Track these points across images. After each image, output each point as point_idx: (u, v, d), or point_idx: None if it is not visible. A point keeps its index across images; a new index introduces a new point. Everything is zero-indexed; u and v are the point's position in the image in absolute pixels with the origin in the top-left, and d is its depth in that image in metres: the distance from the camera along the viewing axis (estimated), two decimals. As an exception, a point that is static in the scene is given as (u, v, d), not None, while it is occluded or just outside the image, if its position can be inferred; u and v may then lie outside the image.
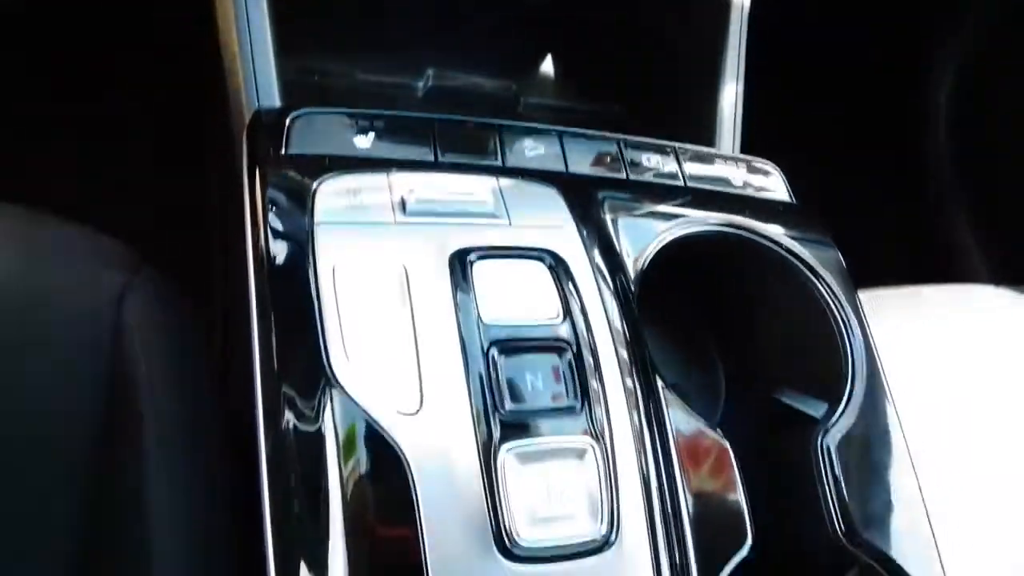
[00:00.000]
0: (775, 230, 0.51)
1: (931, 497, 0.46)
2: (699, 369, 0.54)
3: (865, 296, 0.53)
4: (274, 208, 0.40)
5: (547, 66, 0.76)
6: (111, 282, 0.45)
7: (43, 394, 0.41)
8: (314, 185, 0.41)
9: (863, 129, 1.19)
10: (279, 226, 0.40)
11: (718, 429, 0.42)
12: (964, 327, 0.68)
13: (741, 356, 0.53)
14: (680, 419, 0.41)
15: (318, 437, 0.35)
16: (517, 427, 0.36)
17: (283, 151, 0.43)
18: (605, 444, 0.37)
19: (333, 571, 0.32)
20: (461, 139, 0.48)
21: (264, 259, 0.39)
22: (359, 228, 0.40)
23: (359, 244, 0.39)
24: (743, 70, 0.66)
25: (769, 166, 0.57)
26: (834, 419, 0.45)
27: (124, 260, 0.47)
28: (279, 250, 0.39)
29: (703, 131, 0.64)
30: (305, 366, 0.36)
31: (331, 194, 0.41)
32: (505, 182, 0.46)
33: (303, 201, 0.40)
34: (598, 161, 0.51)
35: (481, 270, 0.40)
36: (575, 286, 0.42)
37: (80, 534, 0.40)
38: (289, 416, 0.35)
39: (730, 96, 0.65)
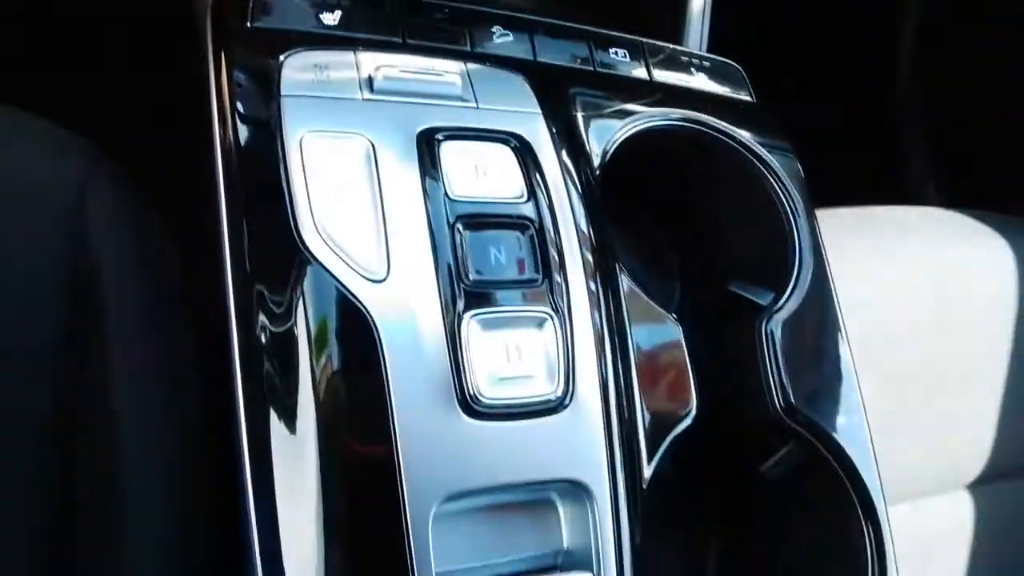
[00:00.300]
0: (734, 127, 0.53)
1: (870, 401, 0.49)
2: (656, 263, 0.56)
3: (819, 215, 0.55)
4: (240, 81, 0.40)
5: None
6: (71, 173, 0.43)
7: None
8: (280, 58, 0.41)
9: (827, 48, 1.19)
10: (245, 99, 0.40)
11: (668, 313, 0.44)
12: (914, 247, 0.71)
13: (696, 250, 0.55)
14: (634, 298, 0.43)
15: (288, 304, 0.36)
16: (480, 297, 0.38)
17: (248, 25, 0.42)
18: (563, 315, 0.39)
19: (302, 424, 0.34)
20: (430, 23, 0.48)
21: (231, 131, 0.39)
22: (326, 102, 0.40)
23: (326, 118, 0.40)
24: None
25: (734, 66, 0.58)
26: (778, 306, 0.48)
27: (85, 152, 0.46)
28: (245, 122, 0.39)
29: (670, 30, 0.64)
30: (274, 236, 0.37)
31: (297, 68, 0.41)
32: (473, 66, 0.46)
33: (269, 74, 0.40)
34: (567, 52, 0.52)
35: (448, 149, 0.41)
36: (540, 170, 0.43)
37: (42, 445, 0.40)
38: (259, 286, 0.36)
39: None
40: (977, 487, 0.71)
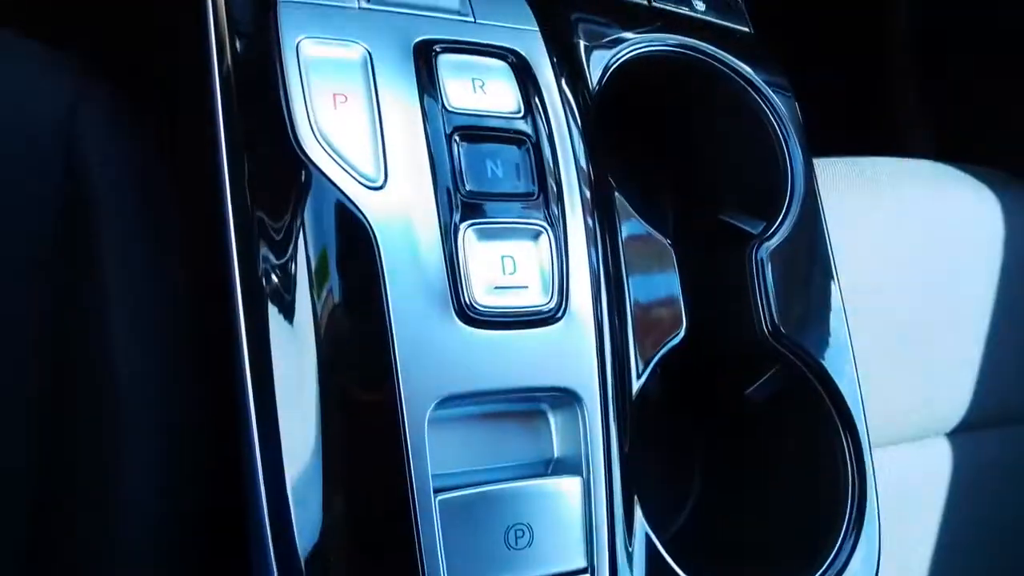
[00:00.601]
0: (732, 57, 0.52)
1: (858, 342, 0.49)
2: (648, 191, 0.56)
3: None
4: None
5: None
6: (62, 91, 0.42)
7: None
8: None
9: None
10: (240, 7, 0.39)
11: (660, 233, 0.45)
12: (903, 197, 0.72)
13: (688, 178, 0.56)
14: (628, 216, 0.43)
15: (286, 210, 0.36)
16: (476, 207, 0.38)
17: None
18: (558, 228, 0.39)
19: (301, 325, 0.34)
20: None
21: (226, 38, 0.38)
22: (322, 9, 0.39)
23: (322, 24, 0.39)
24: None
25: (732, -7, 0.57)
26: (769, 233, 0.49)
27: (76, 70, 0.45)
28: (240, 30, 0.38)
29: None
30: (272, 141, 0.37)
31: (294, -25, 0.40)
32: None
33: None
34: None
35: (445, 62, 0.41)
36: (537, 87, 0.43)
37: (33, 361, 0.40)
38: (257, 192, 0.36)
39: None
40: (956, 435, 0.73)
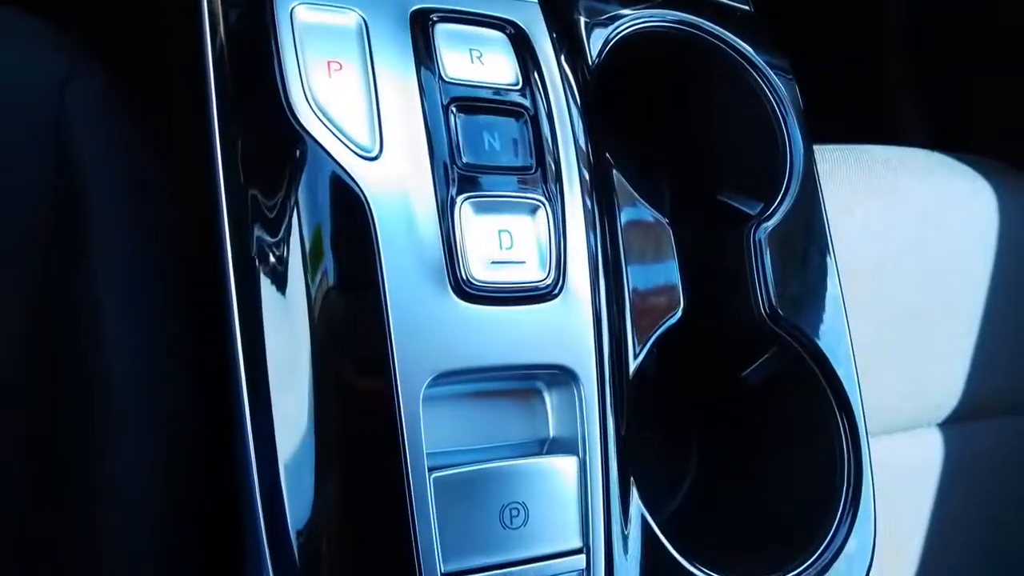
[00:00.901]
0: (731, 34, 0.52)
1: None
2: (646, 169, 0.55)
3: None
4: None
5: None
6: (53, 69, 0.41)
7: None
8: None
9: None
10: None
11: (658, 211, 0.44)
12: (898, 184, 0.71)
13: (686, 157, 0.55)
14: (626, 195, 0.42)
15: (279, 179, 0.35)
16: (473, 180, 0.37)
17: None
18: (556, 203, 0.38)
19: (294, 298, 0.34)
20: None
21: (219, 7, 0.37)
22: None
23: (315, -10, 0.38)
24: None
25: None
26: (767, 215, 0.48)
27: (68, 48, 0.43)
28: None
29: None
30: (265, 108, 0.36)
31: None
32: None
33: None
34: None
35: (442, 31, 0.40)
36: (535, 60, 0.42)
37: (26, 356, 0.39)
38: (249, 160, 0.35)
39: None
40: (949, 425, 0.73)
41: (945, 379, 0.72)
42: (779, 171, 0.50)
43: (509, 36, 0.42)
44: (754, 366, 0.47)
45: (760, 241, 0.47)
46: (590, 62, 0.46)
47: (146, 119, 0.47)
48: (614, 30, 0.48)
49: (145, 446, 0.39)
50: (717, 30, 0.51)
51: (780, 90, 0.50)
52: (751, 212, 0.50)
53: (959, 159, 0.78)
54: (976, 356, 0.73)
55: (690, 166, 0.55)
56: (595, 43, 0.46)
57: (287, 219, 0.35)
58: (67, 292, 0.40)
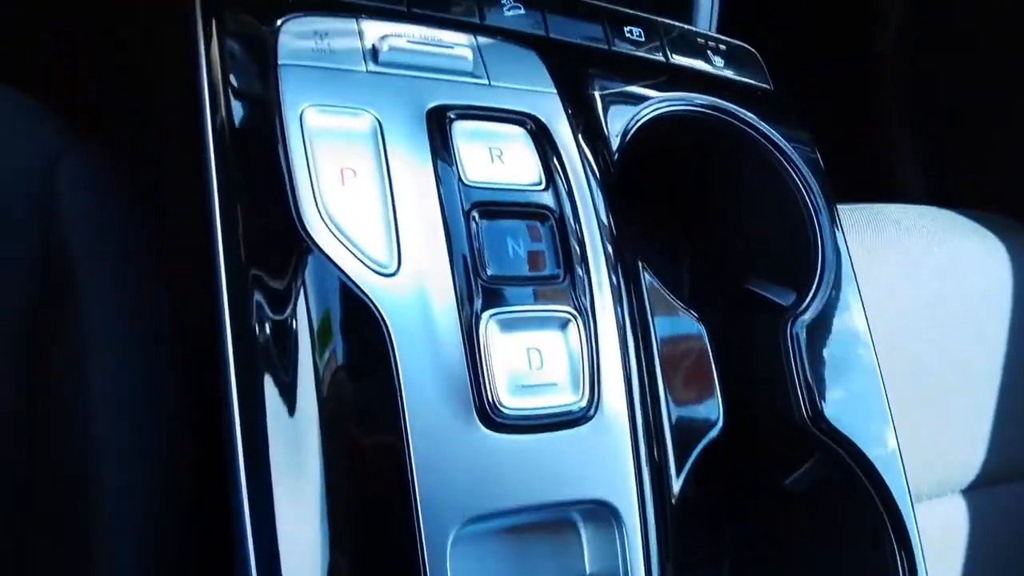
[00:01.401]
0: (755, 117, 0.49)
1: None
2: (668, 256, 0.53)
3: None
4: (232, 50, 0.35)
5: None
6: (40, 144, 0.40)
7: None
8: (277, 23, 0.36)
9: (826, 33, 1.17)
10: (238, 69, 0.36)
11: (693, 312, 0.41)
12: (911, 245, 0.69)
13: (711, 243, 0.52)
14: (657, 296, 0.39)
15: (288, 298, 0.32)
16: (499, 294, 0.34)
17: None
18: (587, 315, 0.35)
19: (303, 433, 0.30)
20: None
21: (223, 104, 0.35)
22: (327, 73, 0.36)
23: (328, 90, 0.35)
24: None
25: (750, 51, 0.55)
26: (803, 307, 0.45)
27: (55, 126, 0.42)
28: (239, 95, 0.35)
29: (679, 6, 0.61)
30: (273, 220, 0.33)
31: (295, 35, 0.37)
32: (484, 40, 0.42)
33: (264, 42, 0.36)
34: (580, 30, 0.48)
35: (460, 130, 0.37)
36: (557, 154, 0.40)
37: (6, 433, 0.36)
38: (255, 276, 0.32)
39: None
40: (972, 491, 0.70)
41: (968, 443, 0.69)
42: (810, 259, 0.47)
43: (529, 131, 0.39)
44: (796, 474, 0.44)
45: (797, 336, 0.44)
46: (613, 150, 0.43)
47: (139, 195, 0.44)
48: (635, 116, 0.45)
49: (131, 543, 0.36)
50: (739, 111, 0.49)
51: (807, 176, 0.48)
52: (783, 303, 0.47)
53: (969, 216, 0.76)
54: (997, 418, 0.70)
55: (714, 250, 0.52)
56: (616, 131, 0.44)
57: (295, 341, 0.31)
58: (53, 370, 0.37)
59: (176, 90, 0.44)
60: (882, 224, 0.71)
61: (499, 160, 0.37)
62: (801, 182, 0.48)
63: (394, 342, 0.31)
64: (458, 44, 0.41)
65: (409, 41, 0.39)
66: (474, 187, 0.35)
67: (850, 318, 0.47)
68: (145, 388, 0.39)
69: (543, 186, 0.37)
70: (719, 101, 0.48)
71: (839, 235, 0.47)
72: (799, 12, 1.09)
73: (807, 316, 0.45)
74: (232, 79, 0.35)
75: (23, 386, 0.37)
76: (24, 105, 0.43)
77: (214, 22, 0.37)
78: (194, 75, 0.36)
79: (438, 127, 0.37)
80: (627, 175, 0.44)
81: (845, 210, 0.70)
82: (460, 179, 0.35)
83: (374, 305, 0.32)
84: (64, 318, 0.38)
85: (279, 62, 0.35)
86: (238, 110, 0.35)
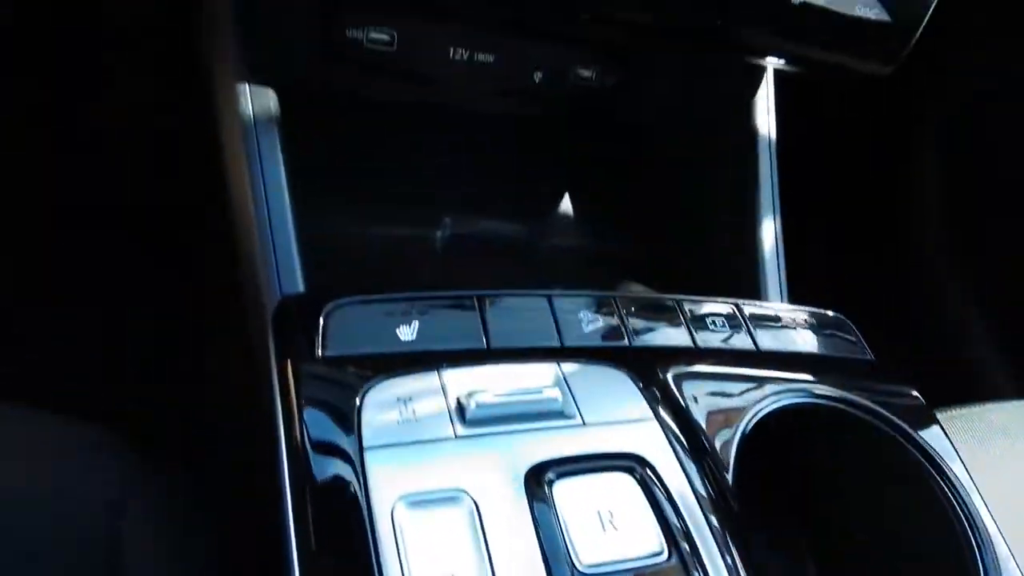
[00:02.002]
0: (869, 401, 0.45)
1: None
2: (788, 564, 0.47)
3: (944, 415, 0.47)
4: (316, 436, 0.33)
5: (566, 205, 0.73)
6: (106, 487, 0.40)
7: None
8: (358, 399, 0.35)
9: (861, 224, 1.16)
10: (323, 458, 0.33)
11: None
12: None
13: (838, 548, 0.46)
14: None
15: None
16: None
17: (319, 352, 0.37)
18: None
19: None
20: (510, 315, 0.43)
21: (306, 501, 0.32)
22: (416, 450, 0.33)
23: (418, 472, 0.33)
24: (779, 206, 0.62)
25: (842, 319, 0.52)
26: None
27: (123, 461, 0.41)
28: (323, 490, 0.32)
29: (743, 273, 0.59)
30: None
31: (379, 407, 0.35)
32: (569, 368, 0.40)
33: (348, 420, 0.34)
34: (661, 329, 0.46)
35: (563, 493, 0.34)
36: (671, 500, 0.36)
37: None
38: None
39: (769, 235, 0.60)
40: None
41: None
42: (961, 560, 0.41)
43: (637, 479, 0.36)
44: None
45: None
46: (727, 474, 0.39)
47: (203, 526, 0.42)
48: (740, 425, 0.42)
49: None
50: (854, 398, 0.45)
51: (944, 466, 0.43)
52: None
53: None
54: None
55: (842, 559, 0.46)
56: (725, 448, 0.40)
57: None
58: None
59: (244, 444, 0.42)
60: (985, 431, 0.64)
61: (611, 526, 0.33)
62: (941, 478, 0.43)
63: None
64: (545, 386, 0.38)
65: (496, 395, 0.36)
66: (590, 573, 0.31)
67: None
68: None
69: (664, 555, 0.33)
70: (823, 387, 0.45)
71: (999, 536, 0.41)
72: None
73: None
74: (315, 472, 0.32)
75: None
76: (93, 437, 0.42)
77: (294, 393, 0.36)
78: (274, 460, 0.34)
79: (539, 495, 0.33)
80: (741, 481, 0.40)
81: (961, 416, 0.64)
82: (573, 565, 0.31)
83: None
84: None
85: (365, 446, 0.33)
86: (322, 504, 0.32)
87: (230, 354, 0.47)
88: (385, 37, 0.57)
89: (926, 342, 1.08)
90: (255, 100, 0.47)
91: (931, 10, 0.51)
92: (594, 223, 0.72)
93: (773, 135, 0.62)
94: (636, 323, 0.45)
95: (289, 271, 0.44)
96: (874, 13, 0.49)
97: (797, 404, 0.44)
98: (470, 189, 0.68)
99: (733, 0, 0.46)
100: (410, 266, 0.63)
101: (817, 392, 0.45)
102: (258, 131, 0.46)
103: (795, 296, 0.60)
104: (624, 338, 0.44)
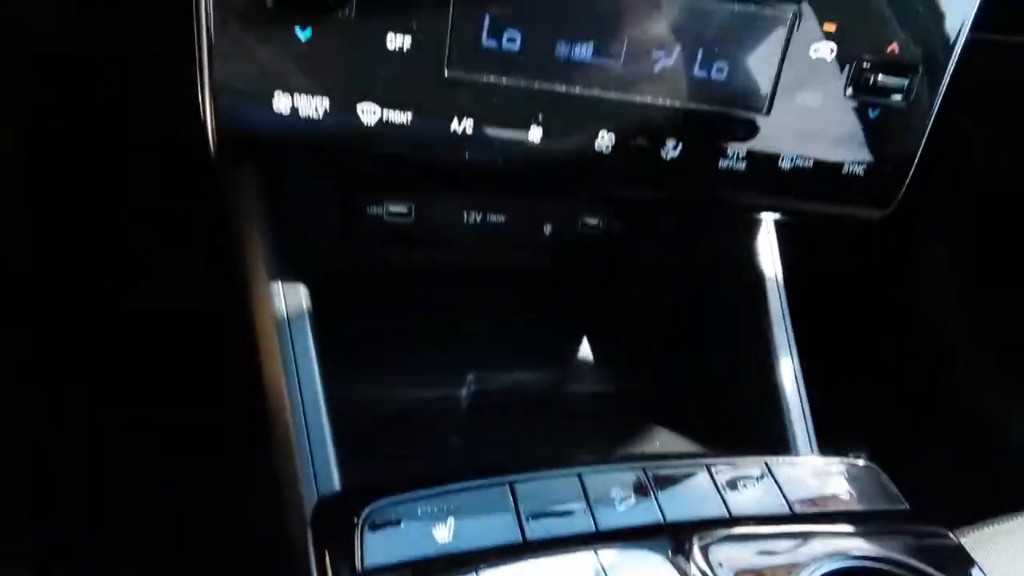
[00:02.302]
0: (906, 557, 0.45)
1: None
2: None
3: (971, 537, 0.47)
4: None
5: (584, 349, 0.74)
6: None
7: None
8: None
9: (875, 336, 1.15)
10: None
11: None
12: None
13: None
14: None
15: None
16: None
17: (359, 566, 0.37)
18: None
19: None
20: (543, 500, 0.43)
21: None
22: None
23: None
24: (794, 342, 0.63)
25: (872, 468, 0.52)
26: None
27: None
28: None
29: (769, 419, 0.60)
30: None
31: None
32: (606, 556, 0.41)
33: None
34: (694, 499, 0.46)
35: None
36: None
37: None
38: None
39: (788, 374, 0.61)
40: None
41: None
42: None
43: None
44: None
45: None
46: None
47: None
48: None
49: None
50: (899, 557, 0.45)
51: None
52: None
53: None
54: None
55: None
56: None
57: None
58: None
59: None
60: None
61: None
62: None
63: None
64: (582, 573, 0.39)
65: (535, 595, 0.37)
66: None
67: None
68: None
69: None
70: (865, 547, 0.44)
71: None
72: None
73: None
74: None
75: None
76: None
77: None
78: None
79: None
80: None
81: (1002, 531, 0.62)
82: None
83: None
84: None
85: None
86: None
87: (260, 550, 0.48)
88: (403, 209, 0.60)
89: (964, 443, 1.06)
90: (288, 298, 0.49)
91: (920, 152, 0.52)
92: (612, 365, 0.73)
93: (779, 274, 0.63)
94: (668, 495, 0.46)
95: (324, 466, 0.45)
96: (862, 169, 0.51)
97: (837, 570, 0.44)
98: (490, 344, 0.69)
99: (725, 175, 0.48)
100: (439, 430, 0.63)
101: (855, 554, 0.44)
102: (292, 329, 0.48)
103: (822, 429, 0.60)
104: (657, 512, 0.45)
